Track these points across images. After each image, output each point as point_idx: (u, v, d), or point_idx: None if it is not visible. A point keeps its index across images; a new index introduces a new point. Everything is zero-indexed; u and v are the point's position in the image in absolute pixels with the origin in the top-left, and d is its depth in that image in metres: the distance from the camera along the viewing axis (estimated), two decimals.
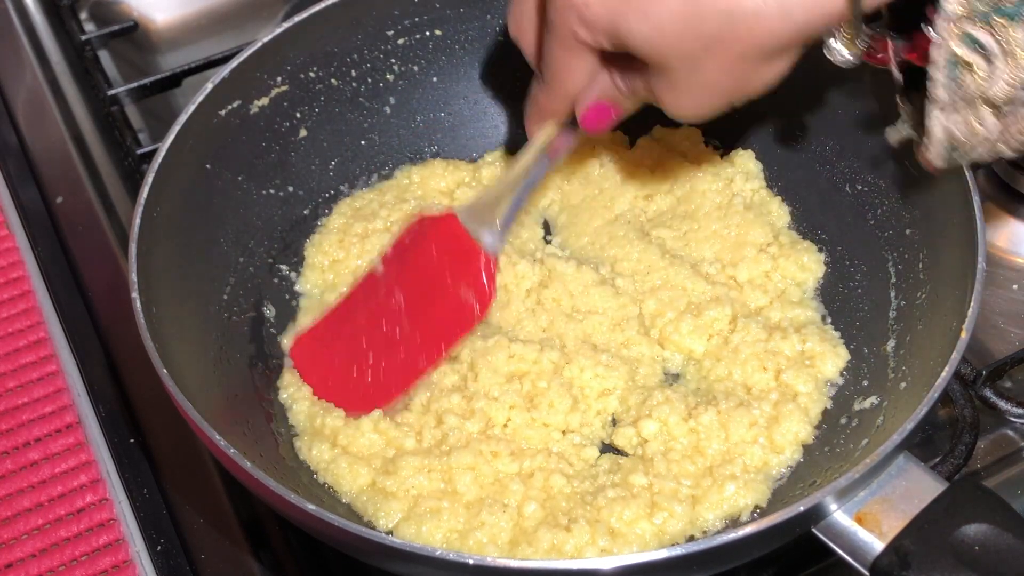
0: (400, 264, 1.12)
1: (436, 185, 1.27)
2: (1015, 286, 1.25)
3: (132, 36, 1.56)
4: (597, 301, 1.15)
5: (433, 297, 1.09)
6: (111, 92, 1.42)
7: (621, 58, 0.91)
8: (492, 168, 1.28)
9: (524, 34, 1.01)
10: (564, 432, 1.07)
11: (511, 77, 1.31)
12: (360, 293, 1.14)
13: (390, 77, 1.28)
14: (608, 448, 1.08)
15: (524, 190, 1.08)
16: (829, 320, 1.15)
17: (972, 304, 0.93)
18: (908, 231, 1.10)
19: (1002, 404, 1.13)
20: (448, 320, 1.09)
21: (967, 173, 1.00)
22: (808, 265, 1.17)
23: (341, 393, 1.10)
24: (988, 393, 1.13)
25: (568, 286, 1.15)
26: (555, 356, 1.09)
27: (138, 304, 0.95)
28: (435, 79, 1.30)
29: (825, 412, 1.07)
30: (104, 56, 1.54)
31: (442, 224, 1.11)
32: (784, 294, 1.16)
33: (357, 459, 1.03)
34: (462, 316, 1.08)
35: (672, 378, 1.13)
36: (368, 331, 1.11)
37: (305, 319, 1.17)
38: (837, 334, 1.13)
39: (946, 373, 0.90)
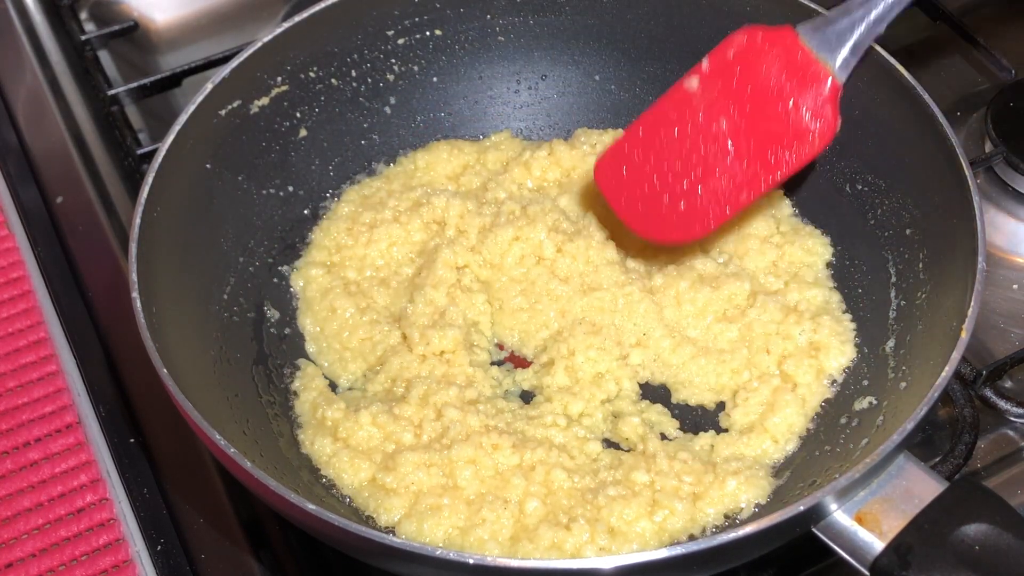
0: (724, 81, 1.02)
1: (442, 171, 1.28)
2: (1015, 286, 1.25)
3: (132, 36, 1.56)
4: (605, 277, 1.15)
5: (764, 121, 1.00)
6: (111, 92, 1.42)
7: None
8: (499, 151, 1.28)
9: None
10: (568, 420, 1.08)
11: (511, 77, 1.32)
12: (670, 110, 1.05)
13: (390, 77, 1.28)
14: (610, 444, 1.08)
15: (877, 21, 0.97)
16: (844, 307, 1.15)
17: (972, 304, 0.93)
18: (908, 231, 1.10)
19: (1002, 404, 1.13)
20: (780, 148, 1.00)
21: (967, 173, 1.00)
22: (814, 248, 1.18)
23: (650, 221, 1.05)
24: (988, 393, 1.13)
25: (578, 259, 1.17)
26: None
27: (138, 304, 0.95)
28: (435, 79, 1.30)
29: (824, 411, 1.07)
30: (104, 56, 1.54)
31: (780, 41, 1.00)
32: (798, 275, 1.16)
33: (357, 453, 1.03)
34: (798, 145, 0.99)
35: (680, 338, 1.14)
36: (683, 154, 1.02)
37: (307, 295, 1.18)
38: (853, 326, 1.12)
39: (946, 373, 0.90)
